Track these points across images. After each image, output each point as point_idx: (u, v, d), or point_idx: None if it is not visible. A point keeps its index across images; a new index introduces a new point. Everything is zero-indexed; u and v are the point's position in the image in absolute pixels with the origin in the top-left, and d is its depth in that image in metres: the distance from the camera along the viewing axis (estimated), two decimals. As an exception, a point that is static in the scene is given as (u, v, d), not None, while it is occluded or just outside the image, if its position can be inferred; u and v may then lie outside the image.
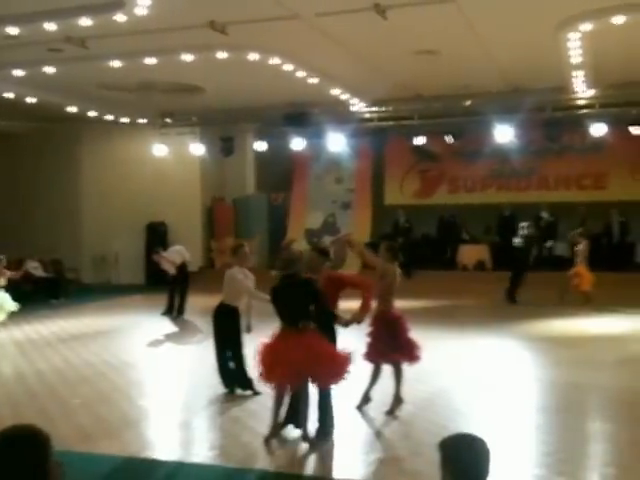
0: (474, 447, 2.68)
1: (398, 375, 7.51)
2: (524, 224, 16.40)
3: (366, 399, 7.55)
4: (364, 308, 6.77)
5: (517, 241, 16.29)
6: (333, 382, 6.51)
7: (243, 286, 8.32)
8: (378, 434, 6.86)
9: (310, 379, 6.40)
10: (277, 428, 6.62)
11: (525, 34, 11.97)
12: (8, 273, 13.92)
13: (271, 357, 6.42)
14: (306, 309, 6.38)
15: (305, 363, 6.24)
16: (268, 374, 6.49)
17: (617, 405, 7.96)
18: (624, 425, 7.10)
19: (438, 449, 2.67)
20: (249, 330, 8.30)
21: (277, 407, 6.60)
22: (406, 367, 7.57)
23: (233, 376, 8.50)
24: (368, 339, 7.43)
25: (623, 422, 7.20)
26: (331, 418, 6.70)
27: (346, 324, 6.68)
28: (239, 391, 8.43)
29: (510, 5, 10.53)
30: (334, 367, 6.40)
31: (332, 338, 6.71)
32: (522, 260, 16.19)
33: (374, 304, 7.28)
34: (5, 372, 9.99)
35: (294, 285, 6.46)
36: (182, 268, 14.98)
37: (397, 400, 7.48)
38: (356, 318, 6.72)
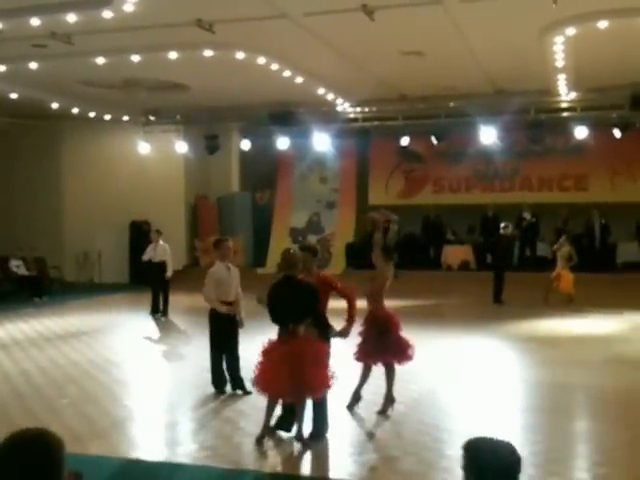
0: (501, 451, 2.54)
1: (390, 375, 7.53)
2: (503, 224, 16.51)
3: (356, 398, 7.55)
4: (350, 322, 6.83)
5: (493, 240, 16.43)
6: (323, 391, 6.51)
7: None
8: (370, 434, 6.87)
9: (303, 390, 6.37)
10: (268, 430, 6.60)
11: (510, 37, 12.07)
12: None
13: (267, 372, 6.39)
14: (301, 311, 6.36)
15: (296, 378, 6.22)
16: (264, 388, 6.48)
17: (603, 404, 8.03)
18: (611, 424, 7.14)
19: (462, 450, 2.55)
20: (241, 325, 8.32)
21: (270, 410, 6.59)
22: (400, 368, 7.58)
23: (225, 377, 8.47)
24: (358, 339, 7.44)
25: (610, 421, 7.24)
26: (325, 422, 6.70)
27: (334, 336, 6.76)
28: (228, 390, 8.39)
29: (496, 8, 10.61)
30: (323, 378, 6.39)
31: (327, 339, 6.71)
32: (502, 260, 16.25)
33: (365, 304, 7.36)
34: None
35: (293, 287, 6.42)
36: (163, 267, 14.75)
37: (389, 400, 7.49)
38: (343, 333, 6.81)
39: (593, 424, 7.41)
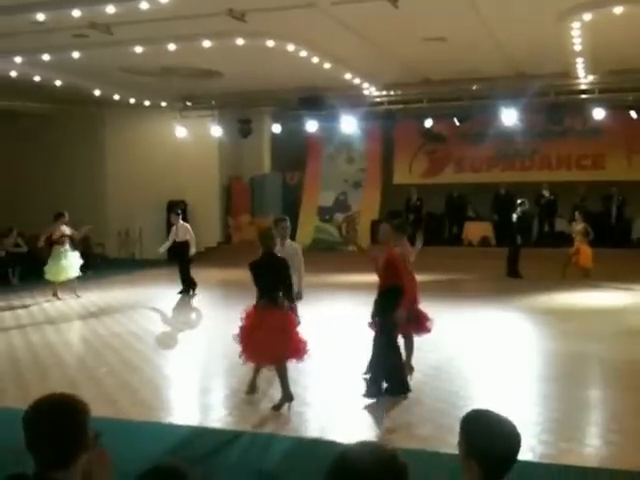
0: (495, 426, 2.40)
1: (409, 346, 7.58)
2: (519, 201, 16.38)
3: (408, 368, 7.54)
4: (405, 305, 6.91)
5: (515, 217, 16.28)
6: (293, 359, 6.73)
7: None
8: (390, 400, 6.87)
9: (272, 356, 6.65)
10: (253, 388, 7.03)
11: (529, 22, 11.89)
12: (67, 231, 14.03)
13: (246, 338, 6.72)
14: (278, 283, 6.69)
15: (269, 344, 6.51)
16: (245, 354, 6.79)
17: (618, 374, 7.97)
18: (625, 393, 7.11)
19: (460, 423, 2.43)
20: (300, 297, 8.12)
21: (255, 373, 7.04)
22: (415, 337, 7.63)
23: None
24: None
25: (624, 390, 7.19)
26: (288, 391, 6.79)
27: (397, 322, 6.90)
28: None
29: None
30: (294, 347, 6.65)
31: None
32: (520, 235, 16.11)
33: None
34: (34, 341, 10.10)
35: (269, 261, 6.77)
36: (186, 246, 14.31)
37: (408, 369, 7.53)
38: (399, 316, 6.91)
39: (606, 393, 7.38)
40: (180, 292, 14.37)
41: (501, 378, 7.73)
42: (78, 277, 14.25)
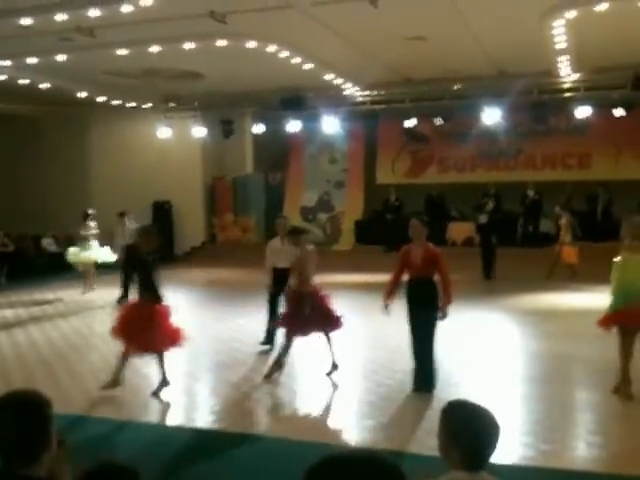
0: (473, 414, 2.50)
1: (329, 343, 7.92)
2: (484, 200, 16.51)
3: (279, 365, 7.88)
4: (446, 302, 7.15)
5: (482, 218, 16.40)
6: (164, 348, 7.31)
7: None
8: (369, 402, 7.00)
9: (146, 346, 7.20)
10: (116, 382, 7.31)
11: (511, 21, 12.00)
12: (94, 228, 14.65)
13: (123, 328, 7.28)
14: (150, 282, 7.26)
15: (144, 335, 7.10)
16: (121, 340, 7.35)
17: (602, 376, 7.82)
18: (609, 395, 7.04)
19: (440, 414, 2.51)
20: None
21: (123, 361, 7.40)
22: (399, 337, 7.77)
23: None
24: (288, 314, 7.91)
25: (607, 393, 7.11)
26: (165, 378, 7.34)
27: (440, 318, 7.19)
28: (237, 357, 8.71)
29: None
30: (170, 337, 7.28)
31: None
32: (494, 236, 16.23)
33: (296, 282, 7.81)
34: (19, 341, 10.22)
35: (139, 260, 7.43)
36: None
37: (333, 367, 7.88)
38: (442, 314, 7.17)
39: (590, 394, 7.32)
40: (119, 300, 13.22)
41: (484, 379, 7.79)
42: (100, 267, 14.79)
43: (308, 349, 9.34)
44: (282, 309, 8.31)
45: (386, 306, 7.33)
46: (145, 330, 7.11)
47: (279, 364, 7.83)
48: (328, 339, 7.90)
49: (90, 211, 14.89)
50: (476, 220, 16.89)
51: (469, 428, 2.42)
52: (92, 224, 14.82)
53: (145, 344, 7.23)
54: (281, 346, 7.93)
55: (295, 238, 8.14)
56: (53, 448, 2.25)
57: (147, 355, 7.39)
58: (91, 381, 7.95)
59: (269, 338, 9.32)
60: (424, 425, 6.19)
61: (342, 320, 7.99)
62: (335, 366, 7.89)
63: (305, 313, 7.68)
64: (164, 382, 7.34)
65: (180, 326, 7.36)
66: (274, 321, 9.03)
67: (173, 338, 7.31)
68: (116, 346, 9.64)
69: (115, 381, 7.32)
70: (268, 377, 7.79)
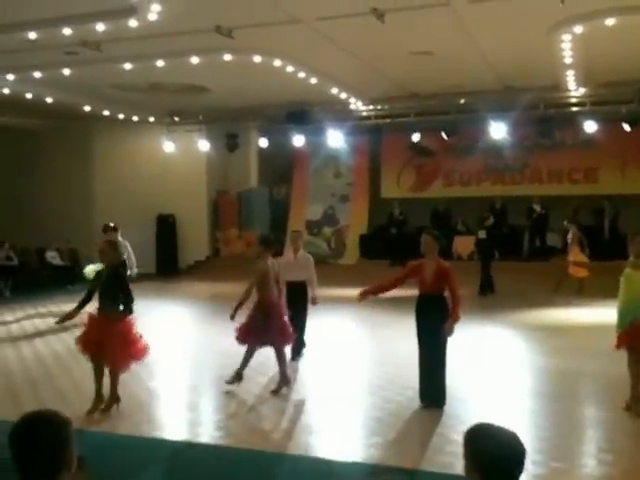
0: (498, 437, 2.37)
1: (280, 357, 7.97)
2: (486, 215, 16.52)
3: (238, 377, 8.00)
4: (454, 318, 7.08)
5: (481, 233, 16.40)
6: (125, 365, 7.29)
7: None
8: (377, 418, 6.94)
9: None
10: (99, 402, 7.24)
11: (518, 36, 12.06)
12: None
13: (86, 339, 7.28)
14: (116, 295, 7.24)
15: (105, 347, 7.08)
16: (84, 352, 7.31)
17: (610, 392, 7.81)
18: (618, 412, 6.95)
19: (463, 438, 2.41)
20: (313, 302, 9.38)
21: (97, 375, 7.32)
22: (406, 353, 7.74)
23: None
24: (243, 323, 7.97)
25: (617, 409, 7.02)
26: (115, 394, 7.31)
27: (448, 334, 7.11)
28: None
29: (504, 8, 10.61)
30: (128, 353, 7.25)
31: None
32: (488, 251, 16.22)
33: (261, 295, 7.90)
34: (25, 354, 10.23)
35: (112, 275, 7.36)
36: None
37: (283, 380, 7.92)
38: (447, 330, 7.08)
39: (600, 412, 7.23)
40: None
41: (492, 395, 7.75)
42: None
43: (315, 365, 9.37)
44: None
45: (360, 300, 7.40)
46: (107, 346, 7.12)
47: (238, 376, 8.01)
48: (278, 354, 8.00)
49: (111, 224, 14.93)
50: (476, 235, 16.91)
51: (492, 452, 2.33)
52: (114, 236, 14.84)
53: (108, 359, 7.23)
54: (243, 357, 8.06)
55: (259, 249, 8.26)
56: (73, 466, 2.27)
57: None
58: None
59: (296, 350, 9.52)
60: (434, 442, 6.16)
61: (292, 336, 8.12)
62: (288, 382, 8.00)
63: (257, 324, 7.83)
64: (114, 398, 7.31)
65: (142, 341, 7.39)
66: (297, 330, 9.16)
67: (133, 355, 7.30)
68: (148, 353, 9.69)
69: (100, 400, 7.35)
70: (230, 383, 7.98)
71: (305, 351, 9.83)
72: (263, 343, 7.98)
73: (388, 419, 6.90)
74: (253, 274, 8.05)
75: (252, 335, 7.89)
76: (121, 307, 7.29)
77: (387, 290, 7.54)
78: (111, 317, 7.21)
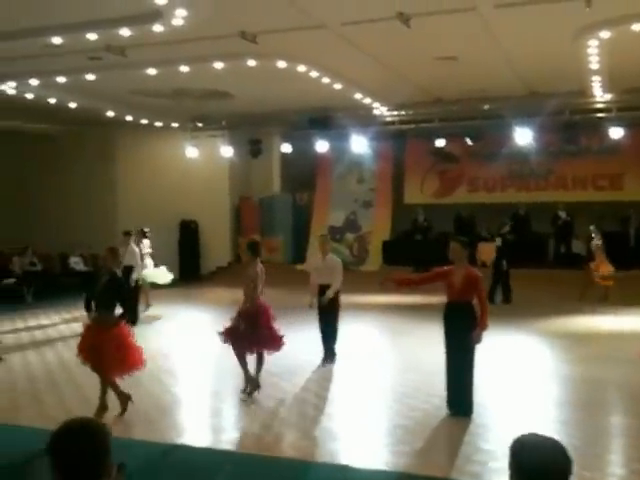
0: (543, 449, 2.32)
1: (260, 362, 8.16)
2: (504, 222, 16.37)
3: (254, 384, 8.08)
4: (482, 326, 7.07)
5: (497, 241, 16.24)
6: (116, 372, 7.27)
7: None
8: (404, 426, 6.87)
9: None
10: (104, 409, 7.21)
11: (544, 41, 11.97)
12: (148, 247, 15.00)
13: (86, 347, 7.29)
14: (111, 301, 7.24)
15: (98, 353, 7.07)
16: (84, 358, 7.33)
17: (636, 400, 7.82)
18: None
19: (510, 447, 2.36)
20: (323, 302, 9.49)
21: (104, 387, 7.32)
22: (431, 360, 7.68)
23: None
24: (231, 330, 8.06)
25: None
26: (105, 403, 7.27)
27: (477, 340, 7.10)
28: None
29: (529, 13, 10.52)
30: (120, 360, 7.19)
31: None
32: (505, 261, 16.02)
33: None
34: (48, 359, 10.25)
35: (109, 281, 7.37)
36: (130, 271, 13.37)
37: (254, 384, 8.04)
38: (475, 338, 7.07)
39: (627, 420, 7.22)
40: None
41: (519, 404, 7.70)
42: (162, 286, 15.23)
43: (339, 372, 9.31)
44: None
45: (383, 284, 7.58)
46: (100, 352, 7.12)
47: (252, 381, 8.09)
48: (260, 358, 8.14)
49: (146, 229, 15.00)
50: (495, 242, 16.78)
51: (535, 463, 2.28)
52: (147, 242, 15.05)
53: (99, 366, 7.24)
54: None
55: (248, 253, 8.40)
56: (113, 474, 2.25)
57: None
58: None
59: (329, 353, 9.71)
60: (463, 451, 6.09)
61: (283, 341, 8.16)
62: (257, 386, 8.08)
63: (241, 329, 7.92)
64: (103, 407, 7.30)
65: (138, 350, 7.37)
66: (327, 337, 9.62)
67: (126, 362, 7.29)
68: (148, 365, 9.72)
69: (103, 407, 7.34)
70: (244, 392, 8.05)
71: (344, 354, 10.02)
72: (252, 349, 8.10)
73: (415, 427, 6.85)
74: (243, 280, 8.22)
75: (239, 340, 8.00)
76: (116, 313, 7.33)
77: (413, 284, 7.69)
78: (106, 323, 7.22)
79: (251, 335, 7.92)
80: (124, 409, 7.30)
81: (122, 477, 2.27)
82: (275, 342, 8.09)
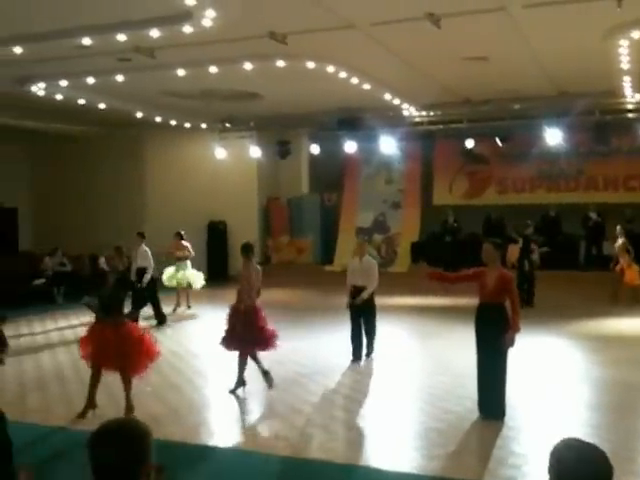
0: (585, 455, 2.28)
1: (255, 359, 8.35)
2: (526, 223, 16.14)
3: (241, 383, 8.29)
4: (514, 329, 7.00)
5: (520, 242, 16.04)
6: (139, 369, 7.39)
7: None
8: (436, 429, 6.81)
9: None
10: (92, 405, 7.33)
11: (574, 41, 11.82)
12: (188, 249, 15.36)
13: (91, 344, 7.41)
14: (119, 301, 7.43)
15: (114, 353, 7.19)
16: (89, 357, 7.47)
17: None
18: None
19: (550, 453, 2.33)
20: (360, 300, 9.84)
21: (92, 384, 7.44)
22: (461, 362, 7.61)
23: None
24: (226, 330, 8.29)
25: None
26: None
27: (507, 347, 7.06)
28: (294, 379, 8.67)
29: (559, 12, 10.39)
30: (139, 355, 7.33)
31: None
32: (526, 261, 15.79)
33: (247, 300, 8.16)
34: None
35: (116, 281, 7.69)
36: (143, 273, 13.43)
37: (241, 383, 8.21)
38: (508, 341, 7.00)
39: None
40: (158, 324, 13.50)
41: (550, 406, 7.63)
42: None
43: (370, 374, 9.26)
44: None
45: (429, 278, 7.69)
46: (117, 353, 7.21)
47: (240, 381, 8.30)
48: (255, 357, 8.29)
49: (182, 231, 15.38)
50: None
51: (579, 470, 2.22)
52: (186, 244, 15.23)
53: (120, 366, 7.33)
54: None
55: (243, 255, 8.59)
56: (152, 476, 2.23)
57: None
58: (152, 401, 7.94)
59: (357, 355, 10.01)
60: (496, 454, 6.01)
61: (276, 340, 8.32)
62: (243, 383, 8.29)
63: (239, 330, 8.11)
64: (130, 407, 7.36)
65: (151, 339, 7.54)
66: (359, 337, 9.94)
67: (145, 356, 7.44)
68: (179, 365, 9.78)
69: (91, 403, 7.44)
70: (233, 392, 8.25)
71: (373, 355, 10.21)
72: (247, 348, 8.26)
73: (447, 430, 6.79)
74: (238, 281, 8.48)
75: (235, 341, 8.23)
76: (125, 312, 7.54)
77: (447, 280, 7.89)
78: (113, 322, 7.33)
79: (246, 335, 8.14)
80: (85, 411, 7.33)
81: (162, 478, 2.25)
82: (269, 341, 8.26)
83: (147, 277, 13.42)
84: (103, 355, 7.28)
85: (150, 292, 13.42)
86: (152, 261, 13.84)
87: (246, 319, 8.16)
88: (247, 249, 8.60)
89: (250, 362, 8.39)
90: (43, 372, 9.71)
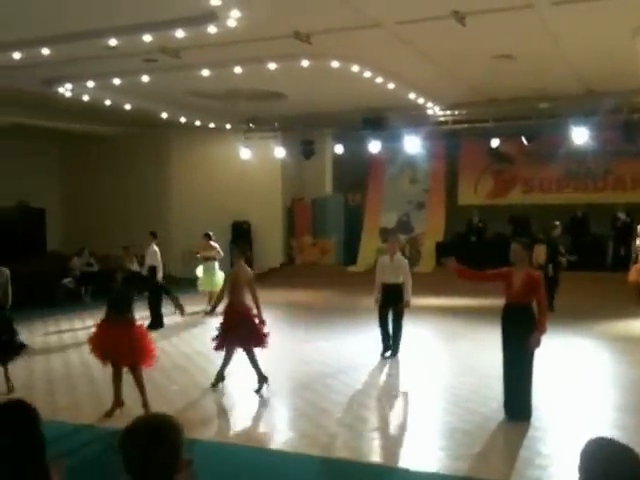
0: (616, 455, 2.25)
1: (252, 359, 8.36)
2: (554, 224, 15.95)
3: (220, 378, 8.47)
4: (540, 330, 6.94)
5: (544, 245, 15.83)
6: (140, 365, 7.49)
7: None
8: (461, 430, 6.78)
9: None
10: (119, 404, 7.47)
11: (602, 38, 11.68)
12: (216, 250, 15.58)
13: (101, 343, 7.52)
14: (127, 301, 7.48)
15: (125, 351, 7.32)
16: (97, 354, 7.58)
17: None
18: None
19: (580, 452, 2.33)
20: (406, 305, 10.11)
21: (116, 379, 7.59)
22: (487, 363, 7.56)
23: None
24: (218, 330, 8.39)
25: None
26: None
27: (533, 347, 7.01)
28: (319, 379, 8.65)
29: (587, 10, 10.28)
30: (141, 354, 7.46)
31: None
32: (551, 265, 15.46)
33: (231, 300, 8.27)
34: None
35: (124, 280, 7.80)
36: (153, 272, 13.48)
37: (261, 379, 8.29)
38: (534, 342, 6.97)
39: None
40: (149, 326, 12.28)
41: (577, 407, 7.58)
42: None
43: (396, 374, 9.23)
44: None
45: (449, 267, 7.62)
46: (124, 348, 7.34)
47: (220, 376, 8.48)
48: (251, 356, 8.32)
49: (210, 232, 15.58)
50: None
51: (606, 471, 2.21)
52: (214, 245, 15.38)
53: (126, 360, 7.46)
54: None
55: (235, 255, 8.74)
56: (183, 471, 2.24)
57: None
58: (181, 402, 7.99)
59: (386, 347, 10.24)
60: (522, 455, 5.97)
61: (267, 339, 8.36)
62: (264, 379, 8.33)
63: (229, 329, 8.22)
64: (146, 405, 7.45)
65: (152, 346, 7.63)
66: (387, 333, 10.09)
67: (146, 354, 7.54)
68: (205, 365, 9.83)
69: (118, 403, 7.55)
70: (214, 386, 8.44)
71: (399, 356, 10.27)
72: (238, 346, 8.37)
73: (474, 431, 6.75)
74: (229, 279, 8.63)
75: (226, 340, 8.34)
76: (130, 313, 7.55)
77: (473, 278, 7.98)
78: (120, 321, 7.43)
79: (237, 333, 8.25)
80: (112, 410, 7.43)
81: (191, 472, 2.26)
82: (260, 339, 8.32)
83: (159, 275, 13.70)
84: (116, 352, 7.40)
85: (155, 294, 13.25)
86: (160, 260, 14.03)
87: (240, 318, 8.29)
88: (239, 249, 8.83)
89: (273, 361, 8.42)
90: (71, 370, 9.82)
